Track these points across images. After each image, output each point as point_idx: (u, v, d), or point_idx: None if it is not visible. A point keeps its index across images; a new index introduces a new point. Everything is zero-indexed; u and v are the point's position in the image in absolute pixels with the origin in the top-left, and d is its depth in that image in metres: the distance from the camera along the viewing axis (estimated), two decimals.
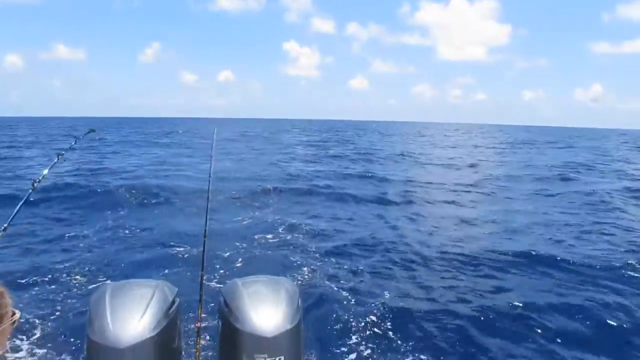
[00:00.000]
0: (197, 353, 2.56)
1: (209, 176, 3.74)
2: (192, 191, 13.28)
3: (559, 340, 4.99)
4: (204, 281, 2.63)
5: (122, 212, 10.97)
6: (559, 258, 7.77)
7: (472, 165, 23.45)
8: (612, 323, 5.30)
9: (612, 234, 9.75)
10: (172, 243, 8.36)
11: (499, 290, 6.45)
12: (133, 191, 13.42)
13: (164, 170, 18.45)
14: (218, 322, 2.97)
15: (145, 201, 12.53)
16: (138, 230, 9.37)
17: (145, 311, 2.62)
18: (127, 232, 9.30)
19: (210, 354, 3.82)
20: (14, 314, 1.56)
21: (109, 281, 2.73)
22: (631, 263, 7.50)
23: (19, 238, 8.29)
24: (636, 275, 6.91)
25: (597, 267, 7.25)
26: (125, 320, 2.60)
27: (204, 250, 3.10)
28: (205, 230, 3.27)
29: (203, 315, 2.66)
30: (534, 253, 8.07)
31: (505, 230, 9.81)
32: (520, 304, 5.80)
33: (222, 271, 6.04)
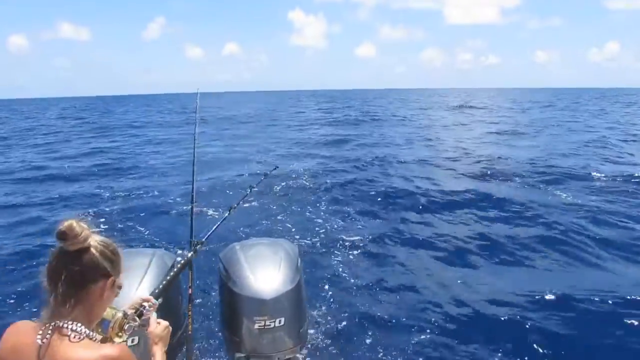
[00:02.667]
0: (189, 320, 2.55)
1: (194, 139, 3.67)
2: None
3: None
4: (196, 247, 2.60)
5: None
6: None
7: None
8: None
9: None
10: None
11: None
12: None
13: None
14: (218, 288, 2.98)
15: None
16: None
17: (142, 279, 2.62)
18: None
19: (212, 320, 3.86)
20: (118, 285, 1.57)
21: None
22: None
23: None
24: None
25: None
26: (124, 288, 2.59)
27: (191, 214, 3.04)
28: (193, 195, 3.24)
29: (201, 282, 2.65)
30: None
31: None
32: None
33: (221, 235, 6.05)
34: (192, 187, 3.28)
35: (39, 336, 1.33)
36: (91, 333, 1.41)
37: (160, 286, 2.24)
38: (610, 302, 4.72)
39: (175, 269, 2.84)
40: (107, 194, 10.05)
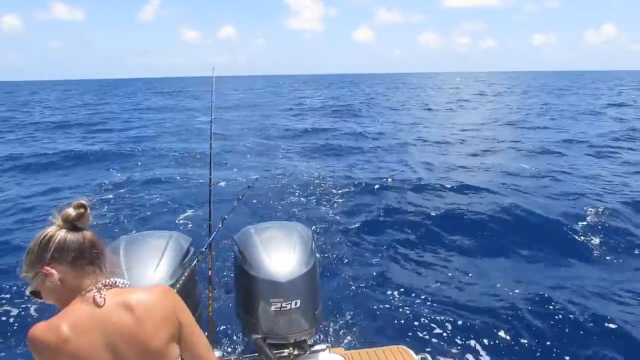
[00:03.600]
0: (210, 301, 2.60)
1: (210, 124, 3.65)
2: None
3: None
4: (212, 230, 2.63)
5: None
6: None
7: None
8: None
9: None
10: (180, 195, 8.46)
11: None
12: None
13: None
14: (234, 270, 3.00)
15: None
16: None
17: (160, 261, 2.65)
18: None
19: (228, 302, 3.90)
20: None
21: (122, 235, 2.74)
22: None
23: None
24: None
25: None
26: (141, 271, 2.64)
27: (210, 199, 3.06)
28: (210, 179, 3.24)
29: (218, 263, 2.67)
30: None
31: None
32: None
33: (236, 218, 6.06)
34: (210, 171, 3.26)
35: (96, 294, 1.43)
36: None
37: (180, 281, 2.40)
38: None
39: (190, 254, 2.87)
40: (112, 181, 10.08)
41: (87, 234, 1.49)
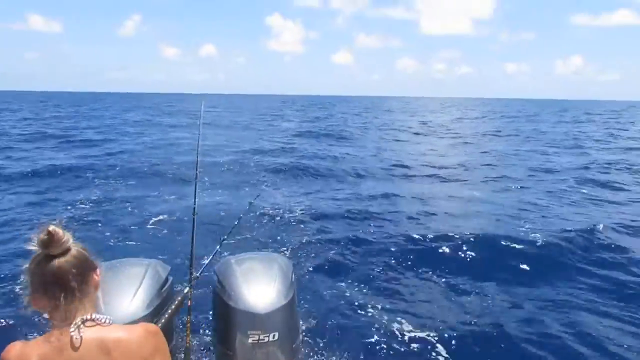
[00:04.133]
0: (188, 331, 2.58)
1: (197, 150, 3.59)
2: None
3: None
4: (194, 259, 2.61)
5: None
6: None
7: None
8: None
9: None
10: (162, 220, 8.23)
11: None
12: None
13: None
14: (213, 300, 2.99)
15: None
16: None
17: (137, 290, 2.62)
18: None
19: (206, 331, 3.84)
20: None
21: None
22: None
23: None
24: None
25: None
26: (117, 299, 2.60)
27: (193, 227, 3.05)
28: (194, 209, 3.23)
29: (198, 292, 2.66)
30: None
31: None
32: None
33: (216, 248, 5.92)
34: (194, 200, 3.21)
35: (73, 333, 1.38)
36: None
37: (163, 320, 2.36)
38: None
39: (169, 283, 2.85)
40: (91, 200, 9.79)
41: (61, 261, 1.41)
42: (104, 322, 1.46)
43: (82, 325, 1.41)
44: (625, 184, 12.45)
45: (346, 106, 75.92)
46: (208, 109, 51.68)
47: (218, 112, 48.60)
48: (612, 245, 7.12)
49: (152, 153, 16.47)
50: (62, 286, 1.41)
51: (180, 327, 2.83)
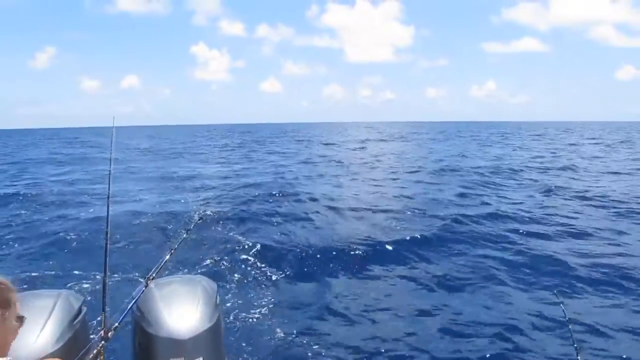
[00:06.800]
0: None
1: (109, 174, 3.37)
2: None
3: None
4: (107, 285, 2.44)
5: None
6: None
7: None
8: None
9: None
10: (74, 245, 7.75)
11: None
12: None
13: None
14: (131, 329, 2.80)
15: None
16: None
17: (45, 323, 2.41)
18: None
19: None
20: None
21: None
22: None
23: None
24: None
25: None
26: (21, 335, 2.37)
27: (106, 251, 2.82)
28: (107, 232, 2.98)
29: (116, 323, 2.47)
30: None
31: None
32: None
33: (134, 274, 5.63)
34: (107, 224, 2.92)
35: None
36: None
37: (68, 345, 2.23)
38: None
39: (82, 314, 2.64)
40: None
41: None
42: None
43: None
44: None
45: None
46: (128, 140, 49.96)
47: (137, 144, 46.93)
48: None
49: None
50: None
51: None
